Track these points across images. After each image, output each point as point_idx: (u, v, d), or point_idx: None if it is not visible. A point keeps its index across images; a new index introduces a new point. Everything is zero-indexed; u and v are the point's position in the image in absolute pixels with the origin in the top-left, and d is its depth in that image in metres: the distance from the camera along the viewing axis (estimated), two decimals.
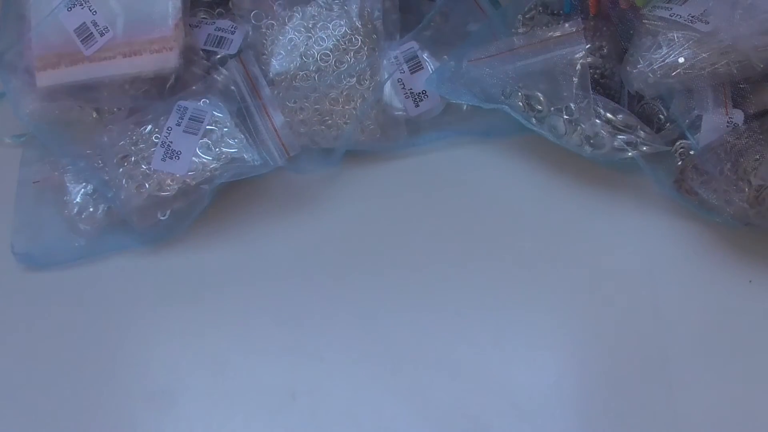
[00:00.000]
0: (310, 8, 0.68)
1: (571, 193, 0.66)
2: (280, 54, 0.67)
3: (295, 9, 0.68)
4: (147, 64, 0.63)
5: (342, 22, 0.67)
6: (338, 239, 0.65)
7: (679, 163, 0.64)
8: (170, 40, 0.63)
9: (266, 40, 0.67)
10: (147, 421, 0.57)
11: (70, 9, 0.63)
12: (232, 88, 0.65)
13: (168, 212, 0.63)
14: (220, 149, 0.63)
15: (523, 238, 0.64)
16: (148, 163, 0.62)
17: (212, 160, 0.63)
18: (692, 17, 0.60)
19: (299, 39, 0.67)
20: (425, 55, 0.69)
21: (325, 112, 0.66)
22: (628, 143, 0.62)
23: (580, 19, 0.64)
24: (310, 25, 0.67)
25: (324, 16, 0.68)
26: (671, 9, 0.61)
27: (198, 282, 0.63)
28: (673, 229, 0.64)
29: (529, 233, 0.65)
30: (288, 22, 0.67)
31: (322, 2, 0.68)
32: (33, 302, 0.63)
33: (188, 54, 0.65)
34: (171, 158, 0.62)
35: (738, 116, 0.62)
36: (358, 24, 0.67)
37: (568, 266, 0.63)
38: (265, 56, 0.67)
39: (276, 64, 0.67)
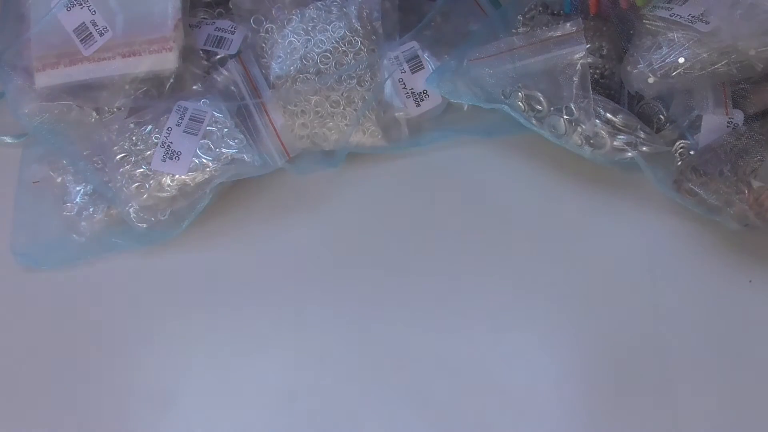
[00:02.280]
0: (309, 11, 0.68)
1: (571, 193, 0.66)
2: (280, 57, 0.67)
3: (294, 12, 0.68)
4: (146, 64, 0.63)
5: (341, 24, 0.67)
6: (339, 239, 0.65)
7: (679, 163, 0.64)
8: (170, 41, 0.63)
9: (266, 43, 0.67)
10: (147, 421, 0.57)
11: (69, 9, 0.63)
12: (232, 88, 0.65)
13: (168, 212, 0.63)
14: (220, 150, 0.63)
15: (523, 238, 0.64)
16: (148, 164, 0.62)
17: (212, 160, 0.62)
18: (692, 17, 0.60)
19: (298, 42, 0.67)
20: (426, 55, 0.69)
21: (326, 115, 0.66)
22: (628, 143, 0.62)
23: (580, 19, 0.64)
24: (309, 28, 0.67)
25: (323, 18, 0.67)
26: (671, 9, 0.61)
27: (198, 282, 0.63)
28: (673, 229, 0.64)
29: (529, 233, 0.65)
30: (287, 25, 0.67)
31: (321, 5, 0.68)
32: (33, 302, 0.63)
33: (188, 54, 0.65)
34: (171, 158, 0.62)
35: (738, 116, 0.62)
36: (357, 26, 0.67)
37: (568, 266, 0.63)
38: (264, 60, 0.67)
39: (276, 67, 0.66)
